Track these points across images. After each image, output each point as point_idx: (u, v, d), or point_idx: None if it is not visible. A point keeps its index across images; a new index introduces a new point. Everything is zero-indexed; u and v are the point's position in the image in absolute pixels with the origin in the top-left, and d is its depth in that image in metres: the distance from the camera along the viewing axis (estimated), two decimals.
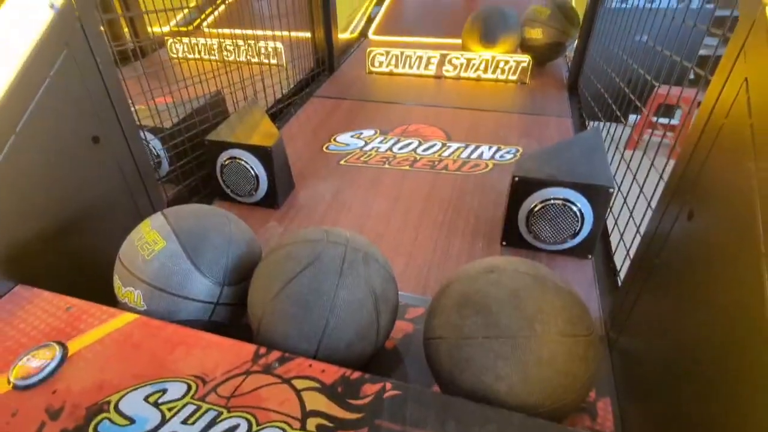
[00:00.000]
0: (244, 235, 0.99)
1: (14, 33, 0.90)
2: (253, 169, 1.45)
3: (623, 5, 1.91)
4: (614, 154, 1.51)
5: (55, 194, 0.99)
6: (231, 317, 0.95)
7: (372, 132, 2.01)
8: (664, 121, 3.19)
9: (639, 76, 1.49)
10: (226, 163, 1.47)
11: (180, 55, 3.00)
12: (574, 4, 3.20)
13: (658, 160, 1.11)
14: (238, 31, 2.36)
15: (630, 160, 1.38)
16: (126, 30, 2.95)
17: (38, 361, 0.73)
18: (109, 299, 0.92)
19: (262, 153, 1.43)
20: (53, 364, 0.72)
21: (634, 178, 1.22)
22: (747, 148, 0.61)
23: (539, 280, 0.76)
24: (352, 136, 1.98)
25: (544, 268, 0.81)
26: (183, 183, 1.52)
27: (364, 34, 3.46)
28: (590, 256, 1.28)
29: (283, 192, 1.55)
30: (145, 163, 1.23)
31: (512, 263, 0.81)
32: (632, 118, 2.31)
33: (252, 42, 2.68)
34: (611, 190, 1.17)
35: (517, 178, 1.23)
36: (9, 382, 0.70)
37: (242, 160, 1.45)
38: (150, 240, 0.88)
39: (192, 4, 3.72)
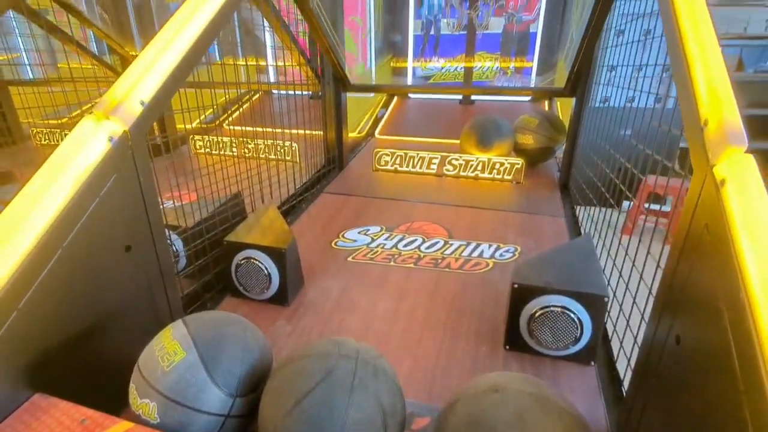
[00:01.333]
0: (258, 342, 1.04)
1: (74, 161, 1.04)
2: (266, 268, 1.54)
3: (605, 104, 2.14)
4: (607, 258, 1.60)
5: (84, 302, 1.06)
6: (239, 429, 0.96)
7: (378, 229, 2.13)
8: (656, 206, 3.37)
9: (626, 168, 1.64)
10: (242, 262, 1.56)
11: (202, 150, 3.29)
12: (560, 113, 3.57)
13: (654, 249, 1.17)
14: (259, 129, 2.63)
15: (623, 265, 1.46)
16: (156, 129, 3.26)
17: None
18: (122, 402, 0.95)
19: (276, 254, 1.53)
20: None
21: (626, 287, 1.29)
22: (717, 287, 0.69)
23: (541, 401, 0.79)
24: (359, 233, 2.10)
25: (546, 387, 0.85)
26: (199, 281, 1.60)
27: (371, 133, 3.81)
28: (593, 363, 1.30)
29: (293, 290, 1.62)
30: (167, 264, 1.32)
31: (515, 381, 0.84)
32: (626, 204, 2.42)
33: (270, 141, 2.95)
34: (606, 299, 1.23)
35: (516, 285, 1.30)
36: None
37: (257, 260, 1.54)
38: (171, 350, 0.93)
39: (221, 101, 4.14)
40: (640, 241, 1.28)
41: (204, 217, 1.69)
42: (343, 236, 2.08)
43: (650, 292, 1.06)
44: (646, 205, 3.91)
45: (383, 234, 2.08)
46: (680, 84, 0.88)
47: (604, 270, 1.51)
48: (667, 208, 3.99)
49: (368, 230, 2.12)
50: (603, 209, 1.89)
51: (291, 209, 2.39)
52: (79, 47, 2.95)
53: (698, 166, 0.80)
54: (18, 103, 3.24)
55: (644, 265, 1.24)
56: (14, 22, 3.32)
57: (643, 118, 1.52)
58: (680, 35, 0.90)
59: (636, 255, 1.32)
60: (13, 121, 3.49)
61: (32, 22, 2.44)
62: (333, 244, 2.01)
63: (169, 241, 1.37)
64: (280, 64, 3.02)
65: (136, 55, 1.23)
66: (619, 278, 1.39)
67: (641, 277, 1.18)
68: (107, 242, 1.11)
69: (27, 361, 0.93)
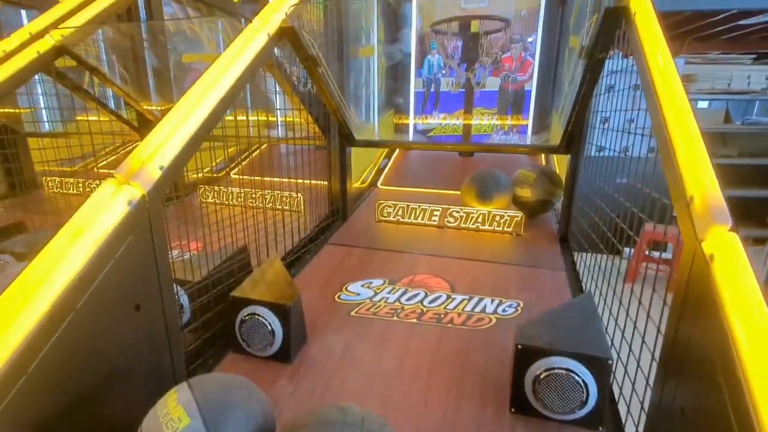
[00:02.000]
0: (262, 407, 1.04)
1: (94, 224, 1.09)
2: (270, 324, 1.54)
3: (600, 153, 2.21)
4: (609, 316, 1.60)
5: (91, 364, 1.06)
6: None
7: (381, 281, 2.15)
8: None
9: (625, 215, 1.67)
10: (246, 318, 1.57)
11: (211, 200, 3.38)
12: (556, 167, 3.70)
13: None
14: (266, 179, 2.72)
15: (625, 324, 1.47)
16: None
17: None
18: None
19: (281, 311, 1.54)
20: None
21: (629, 349, 1.30)
22: (715, 360, 0.71)
23: None
24: (362, 286, 2.11)
25: None
26: (203, 336, 1.60)
27: (374, 183, 3.93)
28: (601, 429, 1.28)
29: (296, 346, 1.61)
30: (174, 323, 1.33)
31: None
32: (627, 251, 2.44)
33: (277, 191, 3.04)
34: (610, 361, 1.23)
35: (520, 346, 1.30)
36: None
37: (261, 316, 1.55)
38: (175, 416, 0.93)
39: (231, 150, 4.29)
40: (640, 303, 1.30)
41: (210, 271, 1.72)
42: (346, 289, 2.09)
43: (653, 358, 1.07)
44: (647, 252, 3.94)
45: (386, 287, 2.10)
46: (666, 161, 0.94)
47: (606, 327, 1.52)
48: (667, 255, 4.01)
49: (371, 283, 2.14)
50: (604, 256, 1.92)
51: (295, 261, 2.41)
52: (99, 104, 3.13)
53: (688, 239, 0.84)
54: (36, 157, 3.38)
55: (646, 325, 1.25)
56: (39, 83, 3.54)
57: (637, 167, 1.56)
58: (663, 116, 0.98)
59: (637, 316, 1.34)
60: (28, 172, 3.62)
61: (58, 82, 2.62)
62: (336, 298, 2.02)
63: (177, 297, 1.39)
64: (289, 119, 3.19)
65: (151, 110, 1.32)
66: (622, 338, 1.39)
67: (643, 340, 1.19)
68: (118, 303, 1.13)
69: (31, 426, 0.92)
